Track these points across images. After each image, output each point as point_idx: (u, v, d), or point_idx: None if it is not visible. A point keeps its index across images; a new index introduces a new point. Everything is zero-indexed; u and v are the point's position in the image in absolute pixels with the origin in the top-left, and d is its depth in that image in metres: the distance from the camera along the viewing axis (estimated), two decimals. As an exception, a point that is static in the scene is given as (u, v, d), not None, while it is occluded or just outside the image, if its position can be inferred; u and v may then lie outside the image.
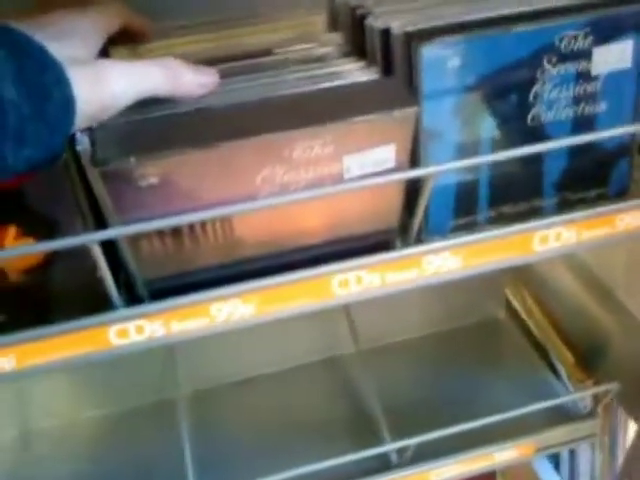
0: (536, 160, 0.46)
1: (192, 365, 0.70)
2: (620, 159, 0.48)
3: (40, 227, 0.40)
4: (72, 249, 0.38)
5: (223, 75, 0.41)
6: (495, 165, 0.45)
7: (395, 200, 0.43)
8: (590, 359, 0.70)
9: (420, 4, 0.45)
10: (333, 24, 0.48)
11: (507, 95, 0.44)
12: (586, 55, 0.44)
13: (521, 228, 0.45)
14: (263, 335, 0.69)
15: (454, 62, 0.41)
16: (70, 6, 0.37)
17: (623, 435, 0.72)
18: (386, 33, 0.42)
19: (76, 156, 0.37)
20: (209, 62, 0.41)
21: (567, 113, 0.45)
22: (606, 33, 0.43)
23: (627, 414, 0.69)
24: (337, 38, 0.46)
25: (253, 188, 0.39)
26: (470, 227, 0.47)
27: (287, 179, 0.39)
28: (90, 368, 0.63)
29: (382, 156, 0.39)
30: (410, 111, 0.38)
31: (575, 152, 0.47)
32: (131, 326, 0.42)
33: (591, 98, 0.45)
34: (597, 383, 0.68)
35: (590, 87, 0.45)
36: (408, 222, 0.44)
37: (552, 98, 0.44)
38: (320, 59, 0.43)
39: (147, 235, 0.39)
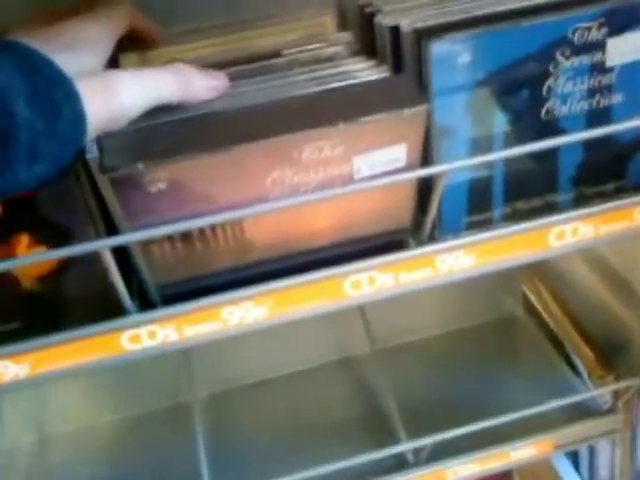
0: (551, 155, 0.45)
1: (208, 368, 0.70)
2: (637, 151, 0.47)
3: (52, 235, 0.40)
4: (84, 256, 0.38)
5: (232, 78, 0.40)
6: (509, 161, 0.45)
7: (407, 199, 0.43)
8: (610, 354, 0.69)
9: (429, 0, 0.44)
10: (342, 23, 0.47)
11: (520, 90, 0.43)
12: (600, 46, 0.43)
13: (537, 224, 0.45)
14: (278, 337, 0.68)
15: (464, 58, 0.41)
16: (72, 15, 0.37)
17: (644, 431, 0.71)
18: (395, 30, 0.42)
19: (86, 164, 0.36)
20: (218, 66, 0.41)
21: (582, 106, 0.44)
22: (620, 23, 0.42)
23: (649, 410, 0.68)
24: (346, 37, 0.45)
25: (263, 191, 0.38)
26: (484, 224, 0.47)
27: (297, 181, 0.38)
28: (106, 373, 0.63)
29: (393, 156, 0.39)
30: (420, 109, 0.38)
31: (591, 145, 0.46)
32: (143, 331, 0.42)
33: (606, 90, 0.44)
34: (617, 379, 0.67)
35: (605, 79, 0.44)
36: (421, 221, 0.44)
37: (566, 91, 0.44)
38: (330, 59, 0.43)
39: (158, 240, 0.39)
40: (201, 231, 0.39)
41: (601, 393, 0.66)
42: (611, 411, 0.67)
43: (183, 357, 0.68)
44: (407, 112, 0.37)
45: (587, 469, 0.77)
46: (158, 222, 0.37)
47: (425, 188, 0.42)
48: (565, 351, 0.73)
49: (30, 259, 0.39)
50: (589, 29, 0.42)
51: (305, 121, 0.36)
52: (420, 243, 0.45)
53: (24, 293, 0.42)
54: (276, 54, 0.43)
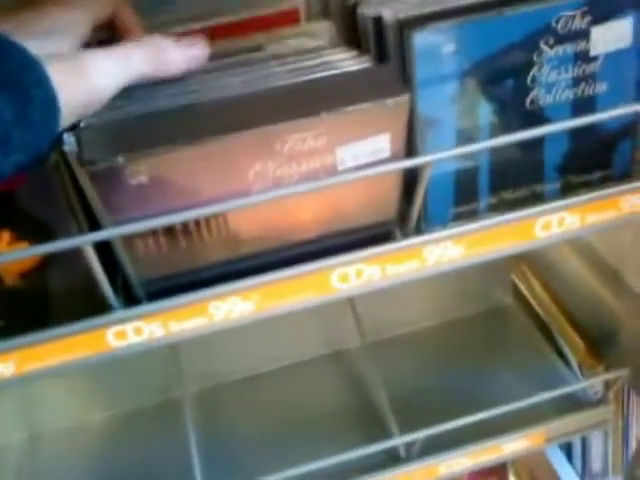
0: (536, 144, 0.45)
1: (197, 363, 0.69)
2: (623, 140, 0.47)
3: (34, 230, 0.40)
4: (67, 252, 0.37)
5: (213, 70, 0.40)
6: (495, 151, 0.45)
7: (392, 190, 0.42)
8: (600, 344, 0.69)
9: (412, -11, 0.44)
10: (324, 13, 0.47)
11: (504, 79, 0.43)
12: (584, 35, 0.43)
13: (523, 214, 0.44)
14: (268, 331, 0.68)
15: (448, 48, 0.41)
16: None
17: (636, 421, 0.71)
18: (378, 21, 0.41)
19: (66, 157, 0.36)
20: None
21: (567, 95, 0.44)
22: (604, 12, 0.42)
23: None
24: (328, 28, 0.45)
25: (246, 183, 0.38)
26: (471, 215, 0.47)
27: (280, 173, 0.38)
28: (96, 370, 0.63)
29: (376, 146, 0.39)
30: (403, 99, 0.37)
31: (576, 134, 0.46)
32: (129, 327, 0.41)
33: (591, 79, 0.44)
34: (608, 369, 0.67)
35: (589, 68, 0.44)
36: (407, 213, 0.44)
37: (551, 80, 0.43)
38: (311, 50, 0.42)
39: (141, 235, 0.38)
40: (184, 225, 0.39)
41: (592, 384, 0.66)
42: (602, 402, 0.67)
43: (171, 352, 0.67)
44: (390, 101, 0.37)
45: (580, 460, 0.78)
46: (140, 216, 0.37)
47: (411, 179, 0.42)
48: (555, 341, 0.73)
49: (11, 256, 0.39)
50: (573, 17, 0.42)
51: (287, 112, 0.36)
52: (406, 235, 0.44)
53: (6, 290, 0.41)
54: (257, 48, 0.43)
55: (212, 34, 0.42)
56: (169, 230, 0.39)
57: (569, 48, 0.43)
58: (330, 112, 0.36)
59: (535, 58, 0.42)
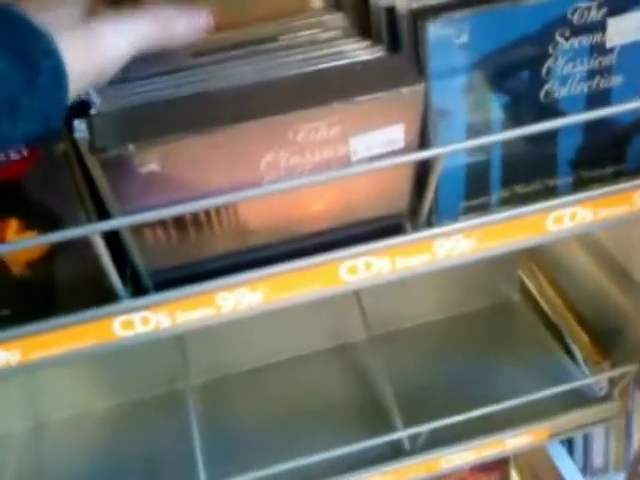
0: (550, 137, 0.45)
1: (203, 354, 0.69)
2: (637, 134, 0.47)
3: (42, 219, 0.39)
4: (75, 241, 0.37)
5: (226, 60, 0.39)
6: (507, 144, 0.44)
7: (404, 182, 0.42)
8: (606, 341, 0.69)
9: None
10: (337, 4, 0.46)
11: (518, 71, 0.42)
12: (600, 27, 0.42)
13: (535, 208, 0.44)
14: (274, 324, 0.68)
15: (462, 39, 0.40)
16: None
17: (638, 417, 0.71)
18: (391, 11, 0.41)
19: (75, 145, 0.36)
20: (211, 50, 0.40)
21: (581, 88, 0.44)
22: (620, 3, 0.42)
23: (645, 396, 0.68)
24: (341, 19, 0.44)
25: (258, 173, 0.38)
26: (482, 208, 0.46)
27: (292, 163, 0.38)
28: (101, 359, 0.63)
29: (390, 136, 0.38)
30: (418, 88, 0.37)
31: (590, 128, 0.45)
32: (136, 317, 0.41)
33: (606, 71, 0.44)
34: (614, 365, 0.67)
35: (605, 60, 0.43)
36: (418, 205, 0.43)
37: (565, 73, 0.43)
38: (325, 41, 0.42)
39: (150, 225, 0.38)
40: (194, 215, 0.39)
41: (598, 380, 0.66)
42: (607, 398, 0.66)
43: (177, 343, 0.67)
44: (405, 91, 0.36)
45: (582, 456, 0.77)
46: (150, 206, 0.36)
47: (422, 172, 0.42)
48: (561, 337, 0.73)
49: (20, 244, 0.39)
50: (589, 9, 0.41)
51: (300, 101, 0.36)
52: (417, 228, 0.44)
53: (14, 279, 0.41)
54: (272, 39, 0.42)
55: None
56: (178, 220, 0.39)
57: (585, 40, 0.42)
58: (343, 101, 0.36)
59: (550, 50, 0.42)
